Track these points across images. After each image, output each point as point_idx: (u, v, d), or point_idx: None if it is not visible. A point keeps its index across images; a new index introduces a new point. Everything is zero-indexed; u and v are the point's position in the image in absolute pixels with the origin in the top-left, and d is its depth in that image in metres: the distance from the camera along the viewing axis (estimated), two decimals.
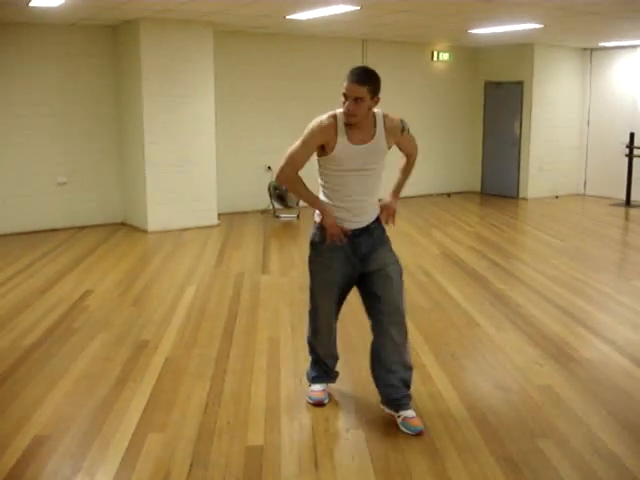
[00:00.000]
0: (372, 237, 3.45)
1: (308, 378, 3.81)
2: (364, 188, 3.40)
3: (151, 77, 8.51)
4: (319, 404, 3.67)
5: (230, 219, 9.68)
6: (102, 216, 9.32)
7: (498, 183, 12.40)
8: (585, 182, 12.47)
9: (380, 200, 3.57)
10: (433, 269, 6.79)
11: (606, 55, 11.83)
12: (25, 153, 8.68)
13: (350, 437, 3.36)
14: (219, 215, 9.43)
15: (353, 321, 4.75)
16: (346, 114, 3.23)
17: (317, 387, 3.75)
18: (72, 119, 8.93)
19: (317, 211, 3.47)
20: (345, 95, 3.21)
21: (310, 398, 3.71)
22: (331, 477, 2.98)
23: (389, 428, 3.41)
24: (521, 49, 11.53)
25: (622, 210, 10.79)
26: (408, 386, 3.50)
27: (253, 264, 7.10)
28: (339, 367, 3.87)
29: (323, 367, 3.77)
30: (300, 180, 3.43)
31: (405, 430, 3.36)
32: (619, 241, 8.79)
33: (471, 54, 12.40)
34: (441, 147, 12.24)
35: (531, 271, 6.77)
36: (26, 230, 8.69)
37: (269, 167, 10.20)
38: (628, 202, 11.15)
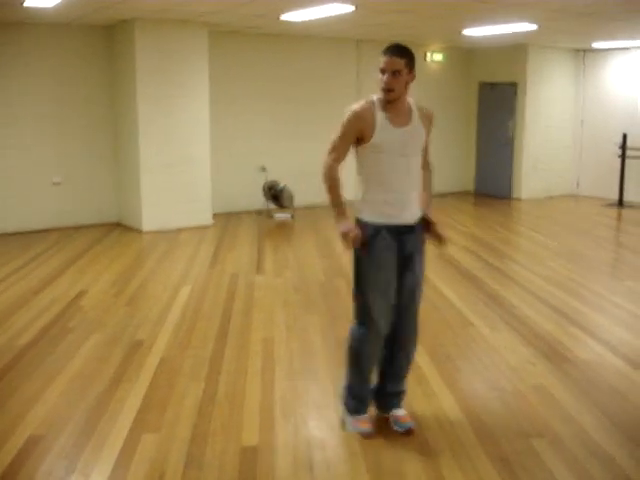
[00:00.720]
0: (416, 237, 3.37)
1: (348, 409, 3.46)
2: (407, 178, 3.28)
3: (146, 77, 8.50)
4: (370, 435, 3.35)
5: (225, 219, 9.67)
6: (97, 216, 9.31)
7: (492, 183, 12.42)
8: (578, 182, 12.51)
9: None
10: (428, 270, 6.72)
11: (599, 56, 11.87)
12: (20, 153, 8.66)
13: (344, 437, 3.36)
14: (214, 215, 9.42)
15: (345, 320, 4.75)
16: (384, 89, 3.15)
17: (363, 416, 3.44)
18: (67, 119, 8.91)
19: (360, 209, 3.32)
20: (382, 70, 3.14)
21: (359, 430, 3.37)
22: (325, 477, 2.99)
23: (384, 428, 3.42)
24: (515, 50, 11.55)
25: (615, 210, 10.83)
26: (403, 391, 3.54)
27: (248, 264, 7.10)
28: (334, 368, 3.86)
29: (362, 395, 3.46)
30: (337, 177, 3.29)
31: (396, 428, 3.38)
32: (612, 241, 8.82)
33: (465, 55, 12.42)
34: (435, 148, 12.11)
35: (525, 271, 6.79)
36: (21, 230, 8.67)
37: (264, 167, 10.20)
38: (621, 202, 11.19)
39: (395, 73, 3.11)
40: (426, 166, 3.51)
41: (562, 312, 5.43)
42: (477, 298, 5.84)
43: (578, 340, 4.80)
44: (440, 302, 5.72)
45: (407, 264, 3.33)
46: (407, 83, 3.18)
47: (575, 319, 5.26)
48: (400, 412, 3.44)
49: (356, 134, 3.21)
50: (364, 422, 3.40)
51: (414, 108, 3.30)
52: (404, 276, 3.33)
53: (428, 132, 3.37)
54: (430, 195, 3.50)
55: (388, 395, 3.50)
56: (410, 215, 3.32)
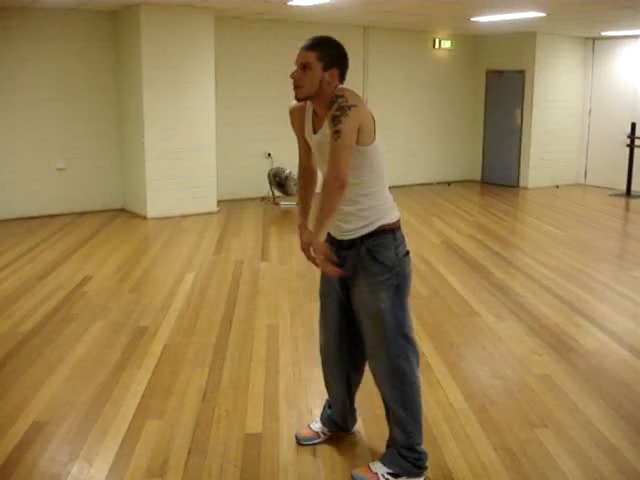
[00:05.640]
0: (358, 254, 2.78)
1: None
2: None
3: (151, 63, 8.46)
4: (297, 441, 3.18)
5: (230, 206, 9.65)
6: (101, 202, 9.30)
7: (499, 172, 12.36)
8: (586, 172, 12.43)
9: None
10: (433, 258, 6.78)
11: (608, 45, 11.76)
12: (24, 139, 8.64)
13: None
14: (219, 202, 9.40)
15: None
16: (293, 83, 2.75)
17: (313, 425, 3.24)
18: (72, 105, 8.87)
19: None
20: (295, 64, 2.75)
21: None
22: (329, 465, 2.98)
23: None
24: (523, 38, 11.46)
25: (622, 200, 10.76)
26: (393, 440, 2.93)
27: (252, 251, 7.08)
28: None
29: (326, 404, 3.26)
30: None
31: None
32: (619, 231, 8.78)
33: (473, 42, 12.32)
34: (442, 135, 12.19)
35: (531, 261, 6.76)
36: (25, 216, 8.66)
37: (269, 154, 10.17)
38: (628, 192, 11.12)
39: (304, 67, 2.69)
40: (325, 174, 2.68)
41: (568, 302, 5.41)
42: (482, 287, 5.82)
43: (584, 330, 4.78)
44: (445, 290, 5.70)
45: (348, 288, 2.89)
46: (322, 81, 2.68)
47: (581, 309, 5.24)
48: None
49: (295, 130, 2.97)
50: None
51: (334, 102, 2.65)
52: (350, 295, 2.89)
53: (330, 127, 2.60)
54: (316, 214, 2.68)
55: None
56: (345, 231, 2.81)
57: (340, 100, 2.57)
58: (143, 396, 3.64)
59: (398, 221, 2.84)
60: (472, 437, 3.21)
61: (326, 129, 2.66)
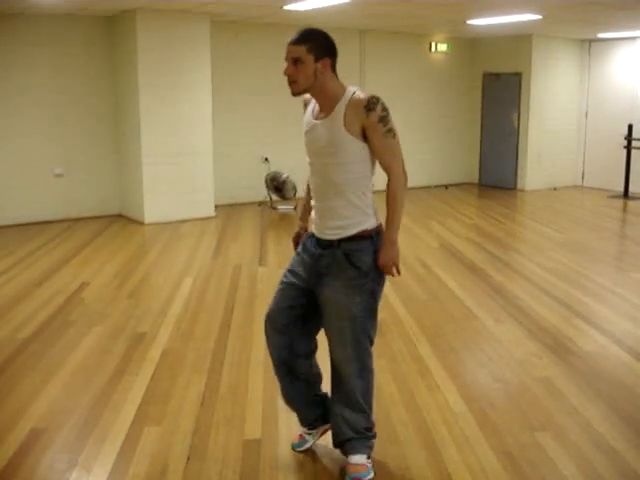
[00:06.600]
0: (334, 256, 2.78)
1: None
2: (320, 185, 2.81)
3: (148, 68, 8.46)
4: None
5: (227, 211, 9.65)
6: (99, 208, 9.28)
7: (496, 175, 12.36)
8: (583, 174, 12.44)
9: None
10: (431, 261, 6.77)
11: (605, 46, 11.79)
12: (22, 145, 8.62)
13: None
14: (216, 207, 9.39)
15: None
16: (288, 79, 2.75)
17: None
18: (68, 110, 8.87)
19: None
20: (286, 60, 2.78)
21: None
22: (329, 470, 2.97)
23: (387, 421, 3.40)
24: (520, 40, 11.47)
25: (620, 202, 10.77)
26: (356, 430, 2.89)
27: (250, 256, 7.07)
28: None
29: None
30: None
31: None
32: (617, 233, 8.78)
33: (469, 45, 12.34)
34: (439, 138, 12.20)
35: (529, 263, 6.76)
36: (22, 222, 8.64)
37: (266, 158, 10.17)
38: (626, 194, 11.13)
39: (295, 61, 2.70)
40: (388, 173, 2.76)
41: (567, 304, 5.40)
42: (481, 290, 5.81)
43: (583, 332, 4.77)
44: (443, 294, 5.69)
45: (318, 286, 2.84)
46: (317, 72, 2.69)
47: (580, 311, 5.23)
48: (353, 459, 2.89)
49: None
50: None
51: (346, 95, 2.69)
52: (319, 291, 2.85)
53: (364, 124, 2.65)
54: (390, 210, 2.78)
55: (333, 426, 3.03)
56: (323, 228, 2.82)
57: (381, 101, 2.64)
58: (141, 402, 3.63)
59: (378, 226, 2.82)
60: (472, 441, 3.20)
61: (337, 116, 2.67)
